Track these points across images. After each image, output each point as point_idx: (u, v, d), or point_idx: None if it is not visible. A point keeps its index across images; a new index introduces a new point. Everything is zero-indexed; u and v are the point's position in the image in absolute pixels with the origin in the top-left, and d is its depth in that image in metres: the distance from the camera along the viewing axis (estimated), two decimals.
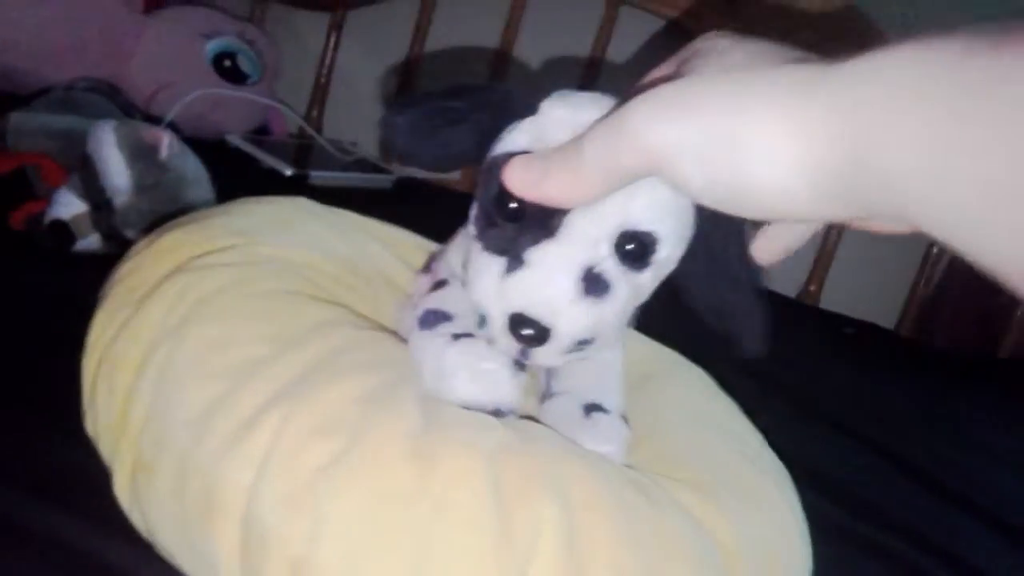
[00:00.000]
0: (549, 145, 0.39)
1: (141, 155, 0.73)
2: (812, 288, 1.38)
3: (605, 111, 0.39)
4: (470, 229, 0.44)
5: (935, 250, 1.36)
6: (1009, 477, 0.90)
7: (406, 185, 1.30)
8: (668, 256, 0.42)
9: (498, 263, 0.41)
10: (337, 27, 1.44)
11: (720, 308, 0.43)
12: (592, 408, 0.47)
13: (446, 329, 0.45)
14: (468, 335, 0.44)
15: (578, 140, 0.36)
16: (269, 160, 1.20)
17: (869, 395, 1.02)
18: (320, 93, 1.47)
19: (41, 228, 0.73)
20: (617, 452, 0.46)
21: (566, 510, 0.39)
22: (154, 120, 0.91)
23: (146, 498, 0.43)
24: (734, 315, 0.43)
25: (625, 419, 0.48)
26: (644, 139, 0.33)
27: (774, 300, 1.27)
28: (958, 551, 0.69)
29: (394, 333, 0.50)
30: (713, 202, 0.34)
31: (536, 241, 0.40)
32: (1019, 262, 0.25)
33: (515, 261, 0.40)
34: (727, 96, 0.31)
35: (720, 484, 0.48)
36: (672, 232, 0.41)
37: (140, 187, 0.73)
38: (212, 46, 1.25)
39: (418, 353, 0.45)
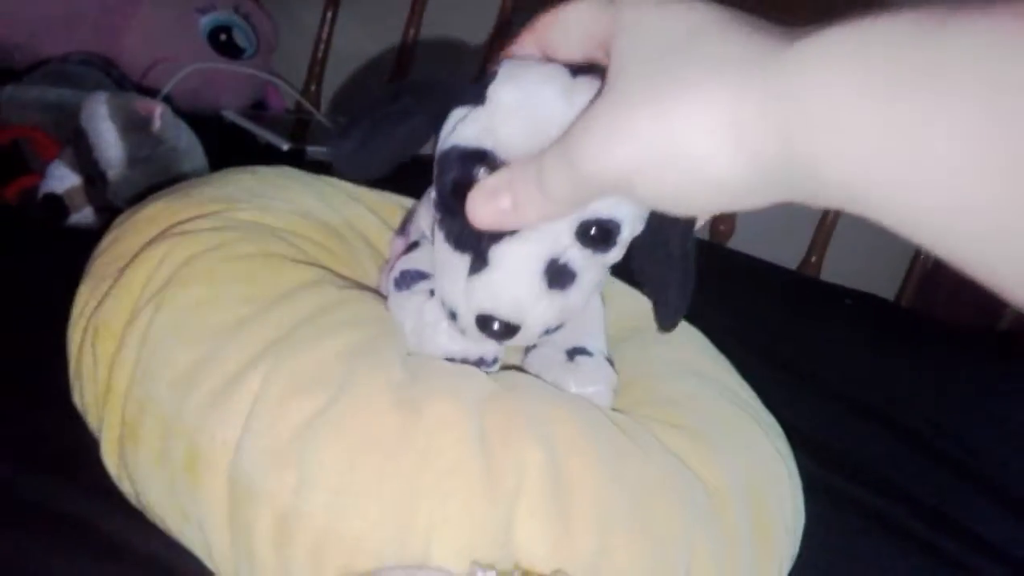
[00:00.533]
0: (501, 138, 0.39)
1: (134, 127, 0.73)
2: (813, 259, 1.37)
3: (556, 86, 0.38)
4: (433, 203, 0.44)
5: None
6: (1010, 448, 0.90)
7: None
8: (631, 233, 0.42)
9: (462, 261, 0.41)
10: (333, 2, 1.43)
11: (652, 279, 0.44)
12: (575, 352, 0.47)
13: (423, 287, 0.45)
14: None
15: (538, 167, 0.36)
16: (266, 135, 1.19)
17: (869, 365, 1.02)
18: (317, 69, 1.46)
19: (35, 202, 0.73)
20: (603, 392, 0.46)
21: (550, 452, 0.40)
22: (149, 93, 0.91)
23: (133, 465, 0.43)
24: (662, 288, 0.44)
25: (610, 361, 0.48)
26: (596, 173, 0.33)
27: (776, 272, 1.28)
28: (959, 519, 0.69)
29: (377, 293, 0.50)
30: (669, 209, 0.35)
31: (497, 239, 0.40)
32: (960, 238, 0.25)
33: (479, 261, 0.40)
34: (661, 104, 0.31)
35: (708, 428, 0.48)
36: (630, 213, 0.41)
37: (133, 159, 0.72)
38: (207, 20, 1.24)
39: (398, 313, 0.45)
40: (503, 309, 0.40)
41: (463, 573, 0.37)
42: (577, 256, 0.41)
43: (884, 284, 1.40)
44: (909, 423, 0.85)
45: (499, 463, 0.39)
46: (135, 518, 0.44)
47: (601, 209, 0.40)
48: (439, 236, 0.43)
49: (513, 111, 0.39)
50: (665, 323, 0.45)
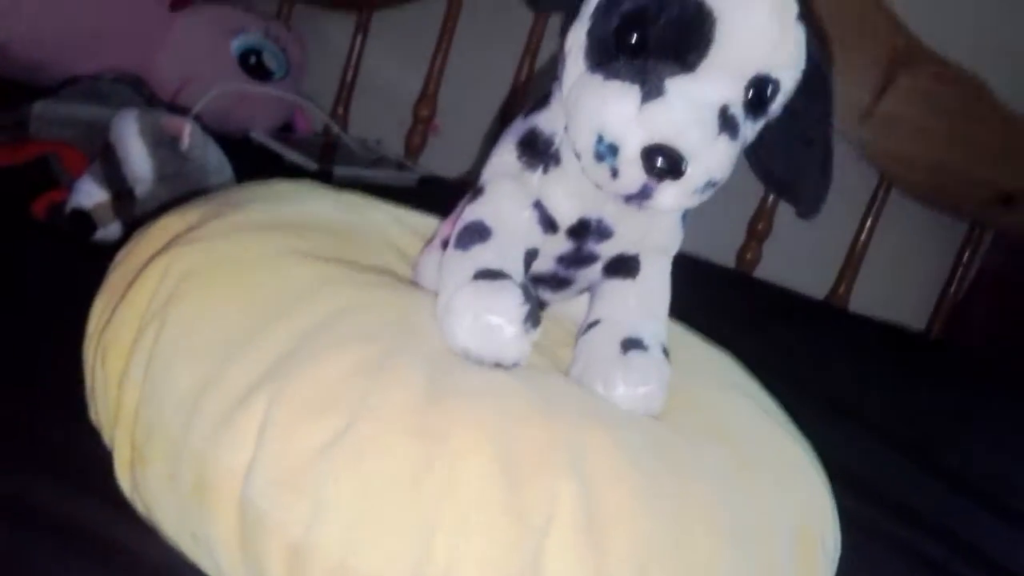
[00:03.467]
0: None
1: (163, 144, 0.73)
2: (841, 290, 1.35)
3: None
4: (576, 66, 0.43)
5: (967, 253, 1.33)
6: None
7: (430, 182, 1.30)
8: (775, 109, 0.43)
9: (632, 91, 0.40)
10: (363, 27, 1.44)
11: (789, 166, 0.46)
12: (630, 344, 0.45)
13: (477, 254, 0.43)
14: (493, 272, 0.42)
15: None
16: (293, 156, 1.20)
17: (900, 397, 1.00)
18: (345, 92, 1.47)
19: (62, 216, 0.73)
20: (655, 393, 0.44)
21: (583, 483, 0.37)
22: (179, 113, 0.91)
23: (144, 486, 0.42)
24: (802, 174, 0.46)
25: (666, 351, 0.46)
26: None
27: (801, 304, 1.26)
28: (991, 554, 0.67)
29: (399, 280, 0.47)
30: None
31: (673, 73, 0.39)
32: None
33: (654, 90, 0.39)
34: None
35: (754, 447, 0.46)
36: (790, 84, 0.42)
37: (161, 176, 0.72)
38: (238, 42, 1.25)
39: (445, 275, 0.44)
40: (679, 139, 0.39)
41: None
42: (740, 112, 0.41)
43: (913, 315, 1.38)
44: (939, 454, 0.84)
45: (527, 495, 0.36)
46: (151, 531, 0.43)
47: (778, 66, 0.41)
48: (593, 80, 0.41)
49: None
50: (808, 206, 0.47)
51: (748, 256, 1.37)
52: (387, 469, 0.36)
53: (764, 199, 1.34)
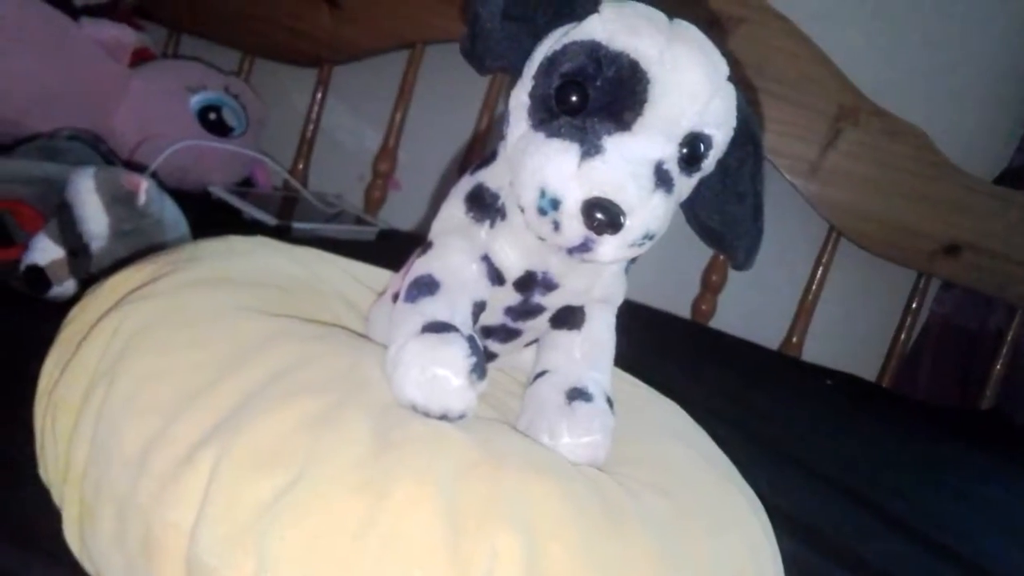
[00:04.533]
0: (613, 40, 0.42)
1: (119, 200, 0.74)
2: (794, 340, 1.38)
3: (656, 20, 0.43)
4: (520, 124, 0.45)
5: (915, 303, 1.37)
6: (991, 526, 0.90)
7: (390, 236, 1.31)
8: (709, 165, 0.45)
9: (573, 149, 0.41)
10: (323, 83, 1.46)
11: (724, 220, 0.48)
12: (575, 394, 0.47)
13: (425, 307, 0.44)
14: (441, 325, 0.43)
15: None
16: (252, 211, 1.20)
17: (850, 445, 1.02)
18: (305, 147, 1.48)
19: (17, 274, 0.73)
20: (599, 442, 0.46)
21: (527, 538, 0.38)
22: (138, 169, 0.92)
23: (92, 545, 0.41)
24: (735, 228, 0.48)
25: (611, 402, 0.47)
26: None
27: (753, 354, 1.28)
28: None
29: (350, 331, 0.48)
30: None
31: (611, 132, 0.41)
32: None
33: (592, 148, 0.41)
34: None
35: (697, 499, 0.47)
36: (722, 141, 0.44)
37: (117, 232, 0.73)
38: (197, 99, 1.26)
39: (394, 327, 0.45)
40: (617, 195, 0.40)
41: None
42: (675, 167, 0.43)
43: (864, 365, 1.40)
44: (887, 501, 0.85)
45: (470, 548, 0.37)
46: None
47: (710, 123, 0.43)
48: (535, 139, 0.43)
49: (615, 18, 0.43)
50: (742, 258, 0.49)
51: (703, 307, 1.40)
52: (331, 524, 0.37)
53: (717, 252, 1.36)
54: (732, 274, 1.38)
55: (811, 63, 1.29)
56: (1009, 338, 1.35)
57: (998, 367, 1.35)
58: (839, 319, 1.41)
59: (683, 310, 1.40)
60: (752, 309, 1.40)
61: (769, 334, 1.38)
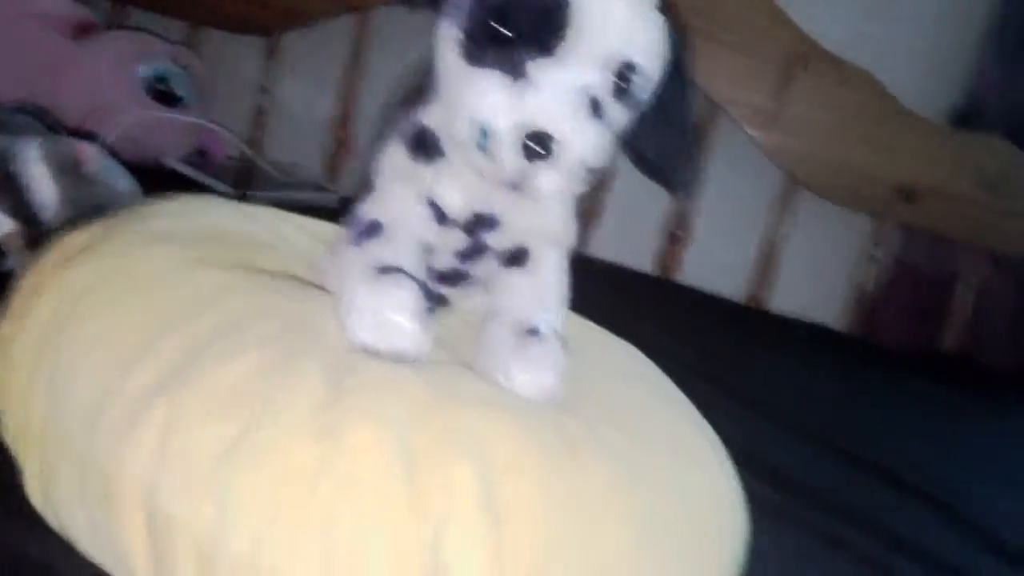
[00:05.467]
0: None
1: (67, 170, 0.72)
2: (760, 292, 1.39)
3: None
4: (449, 59, 0.44)
5: (878, 252, 1.38)
6: (955, 465, 0.91)
7: (353, 201, 1.29)
8: (643, 96, 0.45)
9: (500, 78, 0.41)
10: (272, 50, 1.44)
11: (660, 152, 0.48)
12: (526, 333, 0.47)
13: (374, 250, 0.44)
14: (390, 269, 0.43)
15: None
16: (209, 181, 1.18)
17: (815, 391, 1.03)
18: (259, 116, 1.46)
19: None
20: (552, 378, 0.46)
21: (482, 470, 0.38)
22: (83, 138, 0.89)
23: (55, 499, 0.41)
24: (674, 161, 0.48)
25: (563, 340, 0.48)
26: None
27: (720, 306, 1.29)
28: (905, 534, 0.69)
29: (302, 282, 0.48)
30: None
31: (534, 59, 0.41)
32: None
33: (519, 76, 0.41)
34: None
35: (654, 432, 0.47)
36: (653, 71, 0.44)
37: (67, 200, 0.71)
38: (145, 69, 1.23)
39: (342, 272, 0.45)
40: (548, 121, 0.40)
41: None
42: (606, 96, 0.43)
43: (832, 313, 1.41)
44: (854, 443, 0.86)
45: (425, 487, 0.37)
46: (63, 543, 0.42)
47: (639, 54, 0.43)
48: (461, 69, 0.43)
49: None
50: (679, 188, 0.51)
51: (668, 262, 1.40)
52: (289, 469, 0.37)
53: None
54: (696, 228, 1.38)
55: (760, 11, 1.29)
56: (970, 281, 1.37)
57: (962, 311, 1.37)
58: (805, 270, 1.42)
59: (647, 266, 1.40)
60: (717, 263, 1.40)
61: (734, 287, 1.39)
